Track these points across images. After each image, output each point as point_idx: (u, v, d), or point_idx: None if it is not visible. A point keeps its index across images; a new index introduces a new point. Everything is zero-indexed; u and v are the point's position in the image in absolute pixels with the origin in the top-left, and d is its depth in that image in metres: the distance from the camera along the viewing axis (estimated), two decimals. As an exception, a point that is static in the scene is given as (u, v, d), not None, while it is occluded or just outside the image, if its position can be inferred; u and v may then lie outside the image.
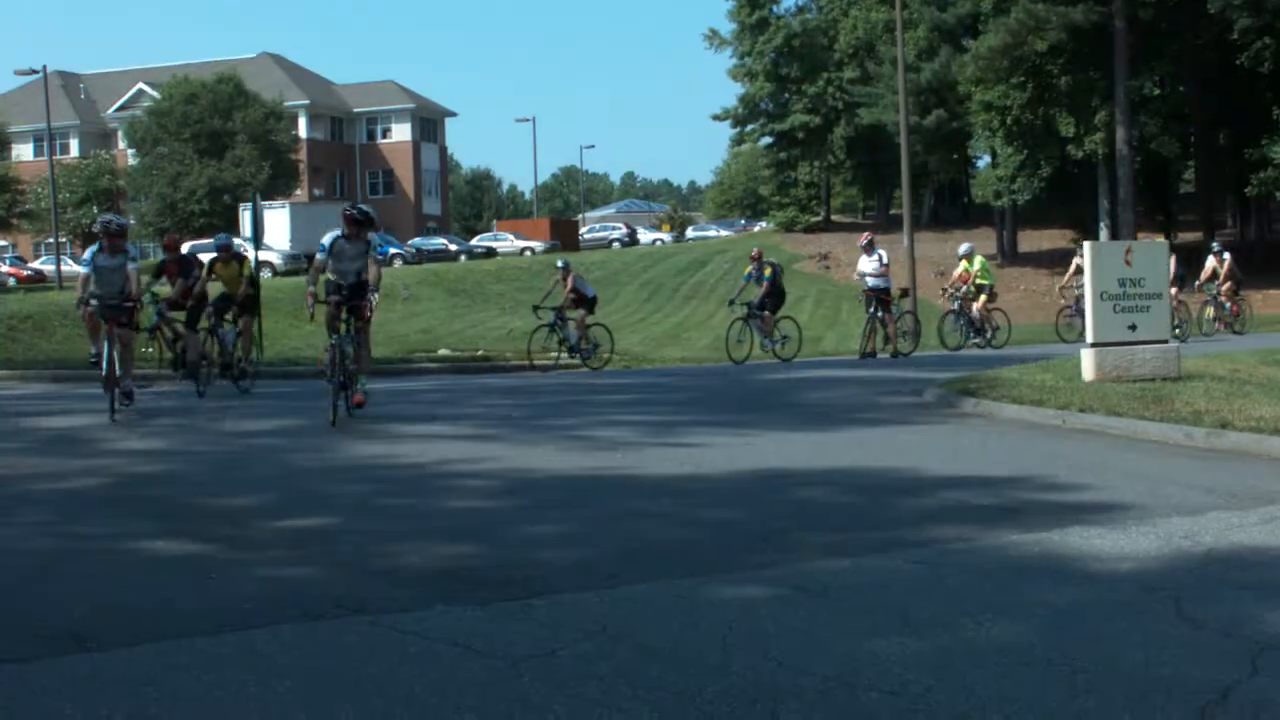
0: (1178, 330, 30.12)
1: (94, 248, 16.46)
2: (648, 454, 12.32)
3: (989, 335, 31.01)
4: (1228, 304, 33.86)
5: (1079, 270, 30.76)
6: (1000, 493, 9.98)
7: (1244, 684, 5.37)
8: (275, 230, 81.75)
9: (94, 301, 16.12)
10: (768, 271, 28.05)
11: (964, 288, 30.98)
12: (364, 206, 16.22)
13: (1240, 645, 5.89)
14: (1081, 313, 29.93)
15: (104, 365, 16.04)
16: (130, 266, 16.37)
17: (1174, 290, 32.43)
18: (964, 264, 31.55)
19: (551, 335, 28.78)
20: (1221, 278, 33.59)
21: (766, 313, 27.79)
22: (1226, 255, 34.39)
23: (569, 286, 28.43)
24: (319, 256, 15.41)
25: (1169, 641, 5.97)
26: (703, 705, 5.19)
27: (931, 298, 50.47)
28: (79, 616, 6.65)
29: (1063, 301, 33.31)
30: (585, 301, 28.62)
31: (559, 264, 29.63)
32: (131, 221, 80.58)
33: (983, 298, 30.80)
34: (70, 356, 34.25)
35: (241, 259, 21.39)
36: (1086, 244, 17.98)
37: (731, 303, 29.19)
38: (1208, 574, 7.25)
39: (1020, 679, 5.47)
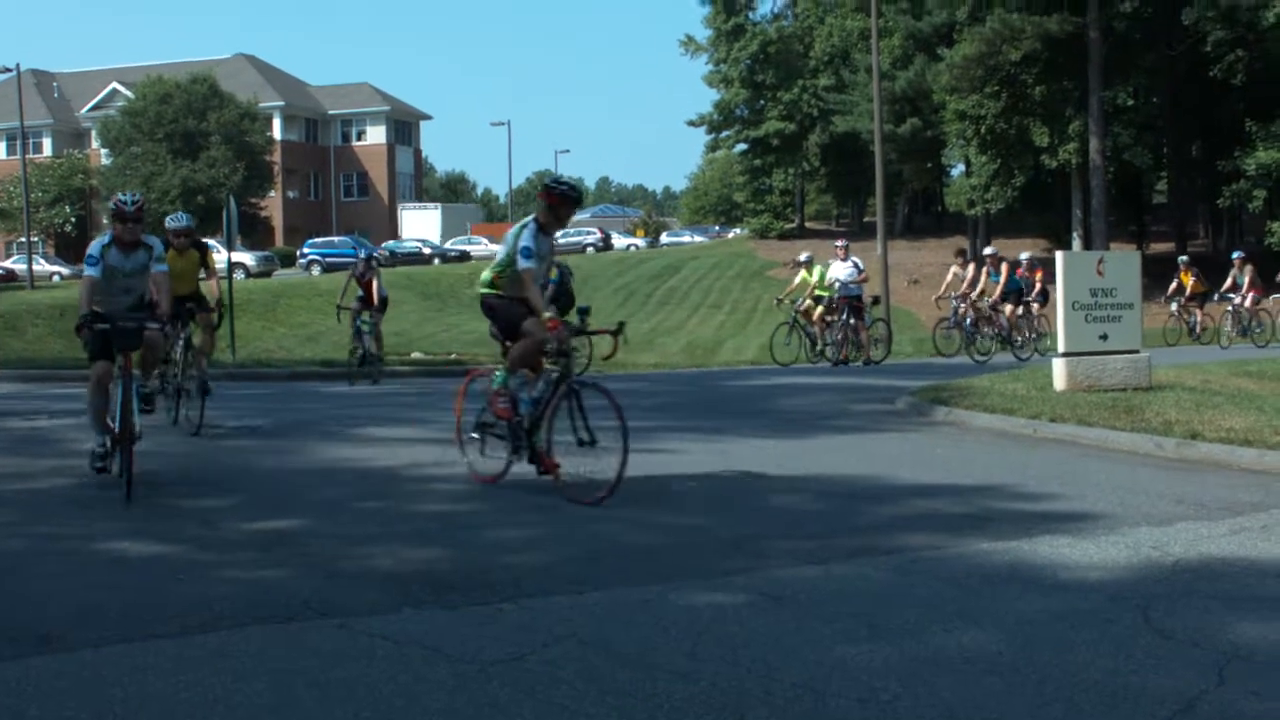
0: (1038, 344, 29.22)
1: (102, 239, 11.21)
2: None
3: (821, 349, 28.63)
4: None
5: (957, 280, 29.81)
6: (971, 501, 10.00)
7: (1210, 694, 5.39)
8: (427, 227, 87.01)
9: (100, 325, 10.51)
10: (553, 274, 24.42)
11: (802, 299, 29.01)
12: (568, 178, 11.74)
13: (1208, 655, 5.92)
14: (959, 324, 29.13)
15: (116, 416, 10.46)
16: (157, 269, 11.24)
17: (1036, 306, 30.96)
18: (803, 273, 29.45)
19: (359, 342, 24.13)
20: None
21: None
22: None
23: (376, 286, 24.24)
24: (526, 263, 10.46)
25: (1136, 651, 5.99)
26: (671, 711, 5.19)
27: (905, 305, 50.62)
28: (45, 617, 6.62)
29: (940, 312, 31.02)
30: (383, 304, 24.80)
31: (362, 254, 25.54)
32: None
33: (820, 309, 28.58)
34: (40, 356, 34.10)
35: (203, 247, 15.90)
36: (1059, 253, 18.05)
37: None
38: (1176, 584, 7.27)
39: (988, 687, 5.49)
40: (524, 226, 10.66)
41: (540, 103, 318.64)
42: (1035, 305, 29.71)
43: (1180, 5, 53.34)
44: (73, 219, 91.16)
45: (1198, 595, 7.03)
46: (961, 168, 75.10)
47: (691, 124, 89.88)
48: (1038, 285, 29.90)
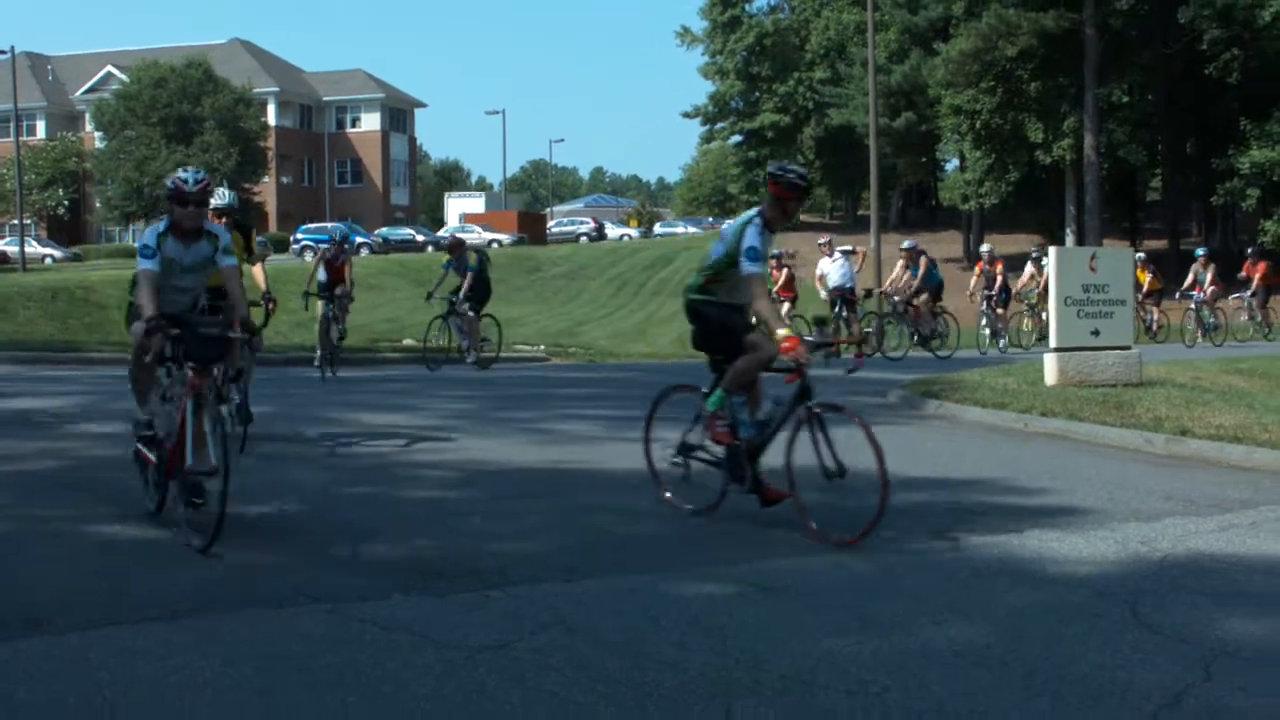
0: (1001, 342, 28.83)
1: (157, 227, 9.08)
2: (609, 448, 12.29)
3: None
4: (1045, 315, 30.36)
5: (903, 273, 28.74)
6: (960, 495, 10.00)
7: (1197, 688, 5.40)
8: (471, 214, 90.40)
9: (172, 332, 8.46)
10: (472, 260, 24.00)
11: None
12: (795, 165, 9.62)
13: (1194, 650, 5.93)
14: (900, 316, 28.38)
15: (184, 445, 8.14)
16: (225, 263, 9.17)
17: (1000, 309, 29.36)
18: None
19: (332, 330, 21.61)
20: (1040, 286, 29.20)
21: (469, 310, 23.53)
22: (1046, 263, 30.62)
23: (348, 272, 21.96)
24: (752, 266, 8.81)
25: (1124, 645, 6.00)
26: (659, 700, 5.19)
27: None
28: (34, 599, 6.61)
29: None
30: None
31: (337, 236, 23.72)
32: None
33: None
34: (31, 338, 34.08)
35: (247, 229, 13.82)
36: (1052, 249, 18.05)
37: (430, 297, 24.80)
38: (1164, 580, 7.28)
39: (976, 680, 5.50)
40: (748, 222, 8.97)
41: (535, 92, 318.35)
42: (1000, 307, 29.34)
43: (1177, 3, 53.42)
44: (65, 202, 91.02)
45: (1185, 591, 7.05)
46: (956, 162, 75.30)
47: (686, 115, 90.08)
48: (999, 279, 29.43)
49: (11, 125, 78.87)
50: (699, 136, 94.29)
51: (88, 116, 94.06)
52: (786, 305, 28.15)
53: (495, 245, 79.21)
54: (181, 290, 9.22)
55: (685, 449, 9.44)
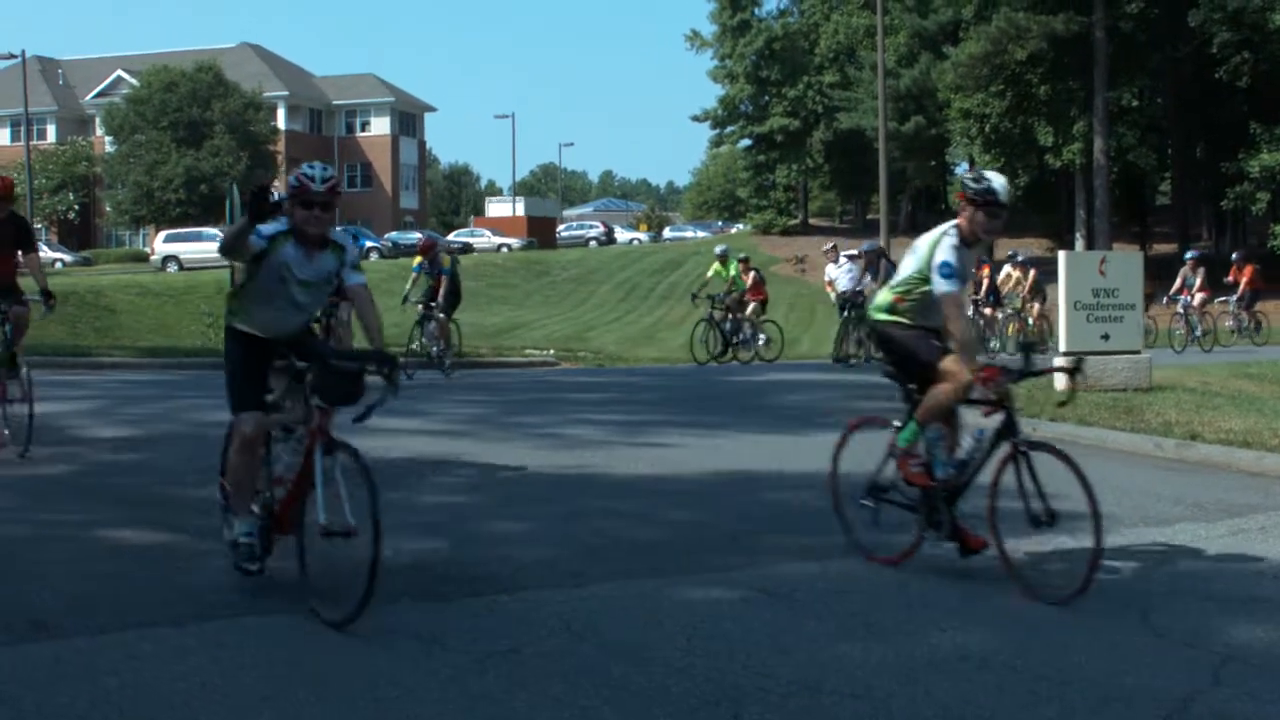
0: (993, 344, 27.78)
1: (274, 226, 7.12)
2: (617, 453, 12.30)
3: (760, 345, 27.99)
4: (1031, 320, 29.25)
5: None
6: (967, 499, 9.97)
7: (1206, 694, 5.40)
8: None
9: (300, 364, 7.19)
10: (446, 263, 23.58)
11: (723, 294, 27.58)
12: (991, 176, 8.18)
13: (1203, 656, 5.93)
14: (858, 322, 27.77)
15: (305, 497, 7.00)
16: (353, 281, 7.35)
17: (988, 309, 28.42)
18: (716, 266, 28.16)
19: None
20: (1026, 288, 29.17)
21: (441, 315, 22.91)
22: (1032, 269, 29.82)
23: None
24: (946, 285, 7.87)
25: (1132, 651, 5.99)
26: (666, 705, 5.19)
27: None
28: (41, 604, 6.62)
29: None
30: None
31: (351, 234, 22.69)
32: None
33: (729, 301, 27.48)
34: (42, 343, 34.08)
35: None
36: (1061, 253, 18.03)
37: (405, 300, 24.16)
38: (1172, 584, 7.28)
39: (983, 686, 5.49)
40: (943, 234, 8.10)
41: (545, 96, 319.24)
42: (988, 309, 28.61)
43: (1187, 6, 53.32)
44: (76, 206, 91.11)
45: (1194, 596, 7.04)
46: (965, 166, 75.12)
47: (696, 119, 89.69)
48: (985, 282, 28.63)
49: (22, 129, 79.05)
50: (708, 140, 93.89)
51: (98, 120, 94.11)
52: (752, 307, 27.95)
53: (505, 249, 79.24)
54: (297, 308, 7.40)
55: (875, 490, 8.40)
